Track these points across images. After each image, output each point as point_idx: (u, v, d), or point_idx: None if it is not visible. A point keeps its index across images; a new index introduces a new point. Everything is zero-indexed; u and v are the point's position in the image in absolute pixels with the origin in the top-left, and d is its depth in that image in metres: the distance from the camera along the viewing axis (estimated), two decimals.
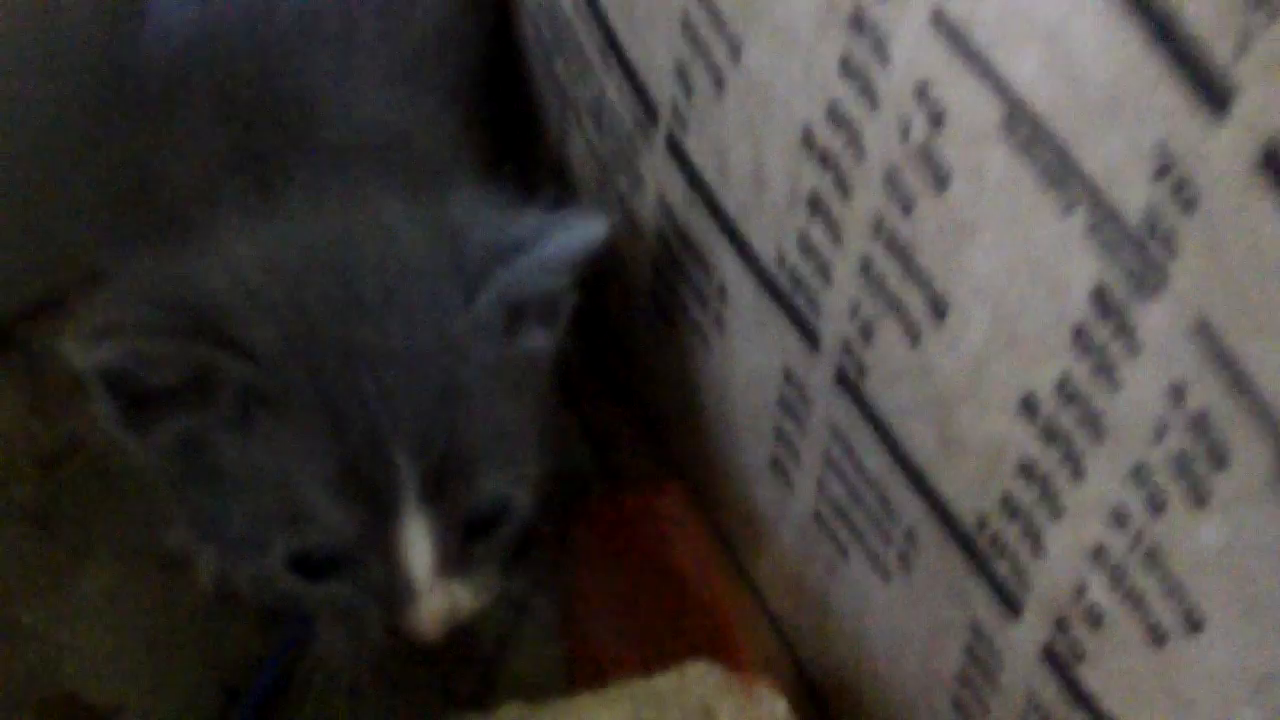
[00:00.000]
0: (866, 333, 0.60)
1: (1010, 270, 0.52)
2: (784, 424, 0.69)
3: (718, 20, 0.63)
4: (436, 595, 0.65)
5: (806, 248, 0.62)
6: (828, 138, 0.59)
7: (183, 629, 0.84)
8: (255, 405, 0.63)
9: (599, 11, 0.74)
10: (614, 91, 0.74)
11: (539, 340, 0.70)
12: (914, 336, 0.58)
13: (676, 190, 0.71)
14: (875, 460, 0.63)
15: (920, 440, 0.59)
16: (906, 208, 0.56)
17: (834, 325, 0.62)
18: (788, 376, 0.67)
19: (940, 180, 0.54)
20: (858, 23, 0.55)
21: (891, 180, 0.56)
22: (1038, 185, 0.49)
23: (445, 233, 0.67)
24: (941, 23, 0.51)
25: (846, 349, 0.62)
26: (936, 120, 0.53)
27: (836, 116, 0.58)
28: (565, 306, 0.71)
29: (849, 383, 0.63)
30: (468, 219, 0.67)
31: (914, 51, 0.53)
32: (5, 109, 0.84)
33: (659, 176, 0.72)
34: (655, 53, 0.69)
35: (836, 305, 0.62)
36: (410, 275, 0.65)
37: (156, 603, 0.84)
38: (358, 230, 0.67)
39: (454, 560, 0.66)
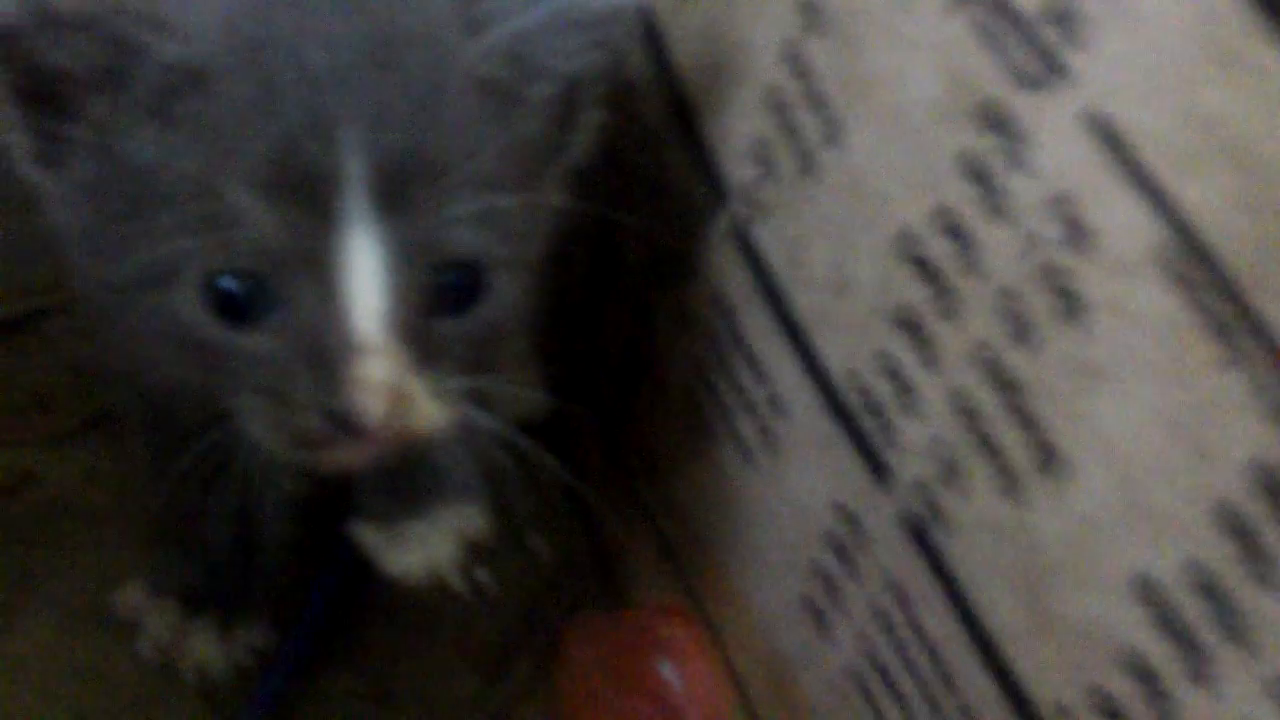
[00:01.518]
0: (950, 476, 0.52)
1: (1146, 427, 0.44)
2: (827, 562, 0.61)
3: (815, 96, 0.56)
4: (384, 360, 0.51)
5: (888, 368, 0.54)
6: (933, 245, 0.50)
7: (118, 702, 0.75)
8: (179, 89, 0.52)
9: (668, 72, 0.66)
10: (676, 163, 0.66)
11: (547, 125, 0.57)
12: (1011, 488, 0.49)
13: (737, 281, 0.63)
14: (938, 623, 0.54)
15: (1000, 608, 0.51)
16: (1023, 338, 0.47)
17: (910, 461, 0.54)
18: (841, 509, 0.59)
19: (1071, 311, 0.45)
20: (989, 115, 0.47)
21: (1008, 304, 0.48)
22: (1198, 331, 0.41)
23: None
24: (1098, 126, 0.43)
25: (922, 490, 0.54)
26: (1076, 241, 0.45)
27: (948, 222, 0.50)
28: (586, 100, 0.58)
29: (919, 529, 0.54)
30: None
31: (1058, 157, 0.45)
32: None
33: (718, 263, 0.64)
34: (732, 127, 0.61)
35: (917, 438, 0.53)
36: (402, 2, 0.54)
37: (92, 669, 0.75)
38: None
39: (411, 320, 0.52)
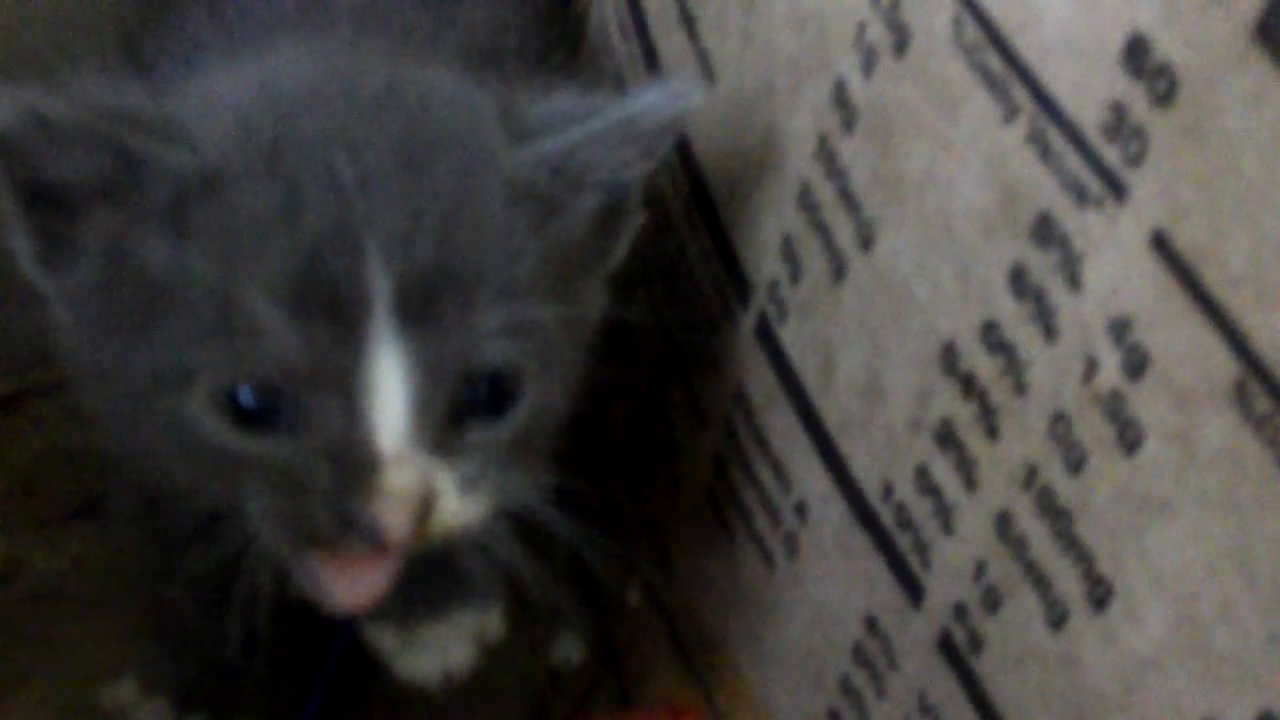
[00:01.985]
0: (992, 602, 0.49)
1: (1212, 567, 0.41)
2: (856, 677, 0.58)
3: (848, 198, 0.53)
4: (408, 469, 0.48)
5: (926, 485, 0.51)
6: (978, 362, 0.48)
7: None
8: (193, 197, 0.49)
9: (690, 161, 0.64)
10: (696, 255, 0.64)
11: (588, 232, 0.54)
12: (1058, 620, 0.47)
13: (761, 383, 0.60)
14: None
15: None
16: (1074, 465, 0.45)
17: (947, 583, 0.51)
18: (871, 625, 0.56)
19: (1129, 442, 0.43)
20: (1044, 231, 0.45)
21: (1059, 428, 0.45)
22: (1268, 467, 0.39)
23: (497, 91, 0.54)
24: (1164, 250, 0.41)
25: (960, 614, 0.51)
26: (1136, 368, 0.42)
27: (995, 339, 0.47)
28: (630, 206, 0.55)
29: (956, 654, 0.52)
30: (527, 93, 0.54)
31: (1117, 278, 0.43)
32: None
33: (740, 362, 0.62)
34: (759, 222, 0.59)
35: (956, 561, 0.51)
36: (439, 100, 0.52)
37: None
38: (382, 64, 0.53)
39: (437, 427, 0.49)
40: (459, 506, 0.51)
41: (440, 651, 0.68)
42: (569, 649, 0.77)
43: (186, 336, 0.49)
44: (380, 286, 0.48)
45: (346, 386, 0.48)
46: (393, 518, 0.48)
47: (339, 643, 0.70)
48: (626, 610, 0.75)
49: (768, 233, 0.58)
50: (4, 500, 0.77)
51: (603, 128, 0.52)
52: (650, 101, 0.52)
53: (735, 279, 0.61)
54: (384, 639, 0.68)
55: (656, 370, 0.69)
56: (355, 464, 0.48)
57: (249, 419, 0.49)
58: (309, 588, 0.53)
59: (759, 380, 0.60)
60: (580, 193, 0.53)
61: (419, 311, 0.48)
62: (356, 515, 0.49)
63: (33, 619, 0.75)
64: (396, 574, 0.52)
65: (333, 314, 0.48)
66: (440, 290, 0.48)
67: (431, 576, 0.67)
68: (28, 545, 0.77)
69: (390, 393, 0.48)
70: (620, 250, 0.56)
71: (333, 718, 0.73)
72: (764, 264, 0.59)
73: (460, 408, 0.50)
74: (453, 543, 0.53)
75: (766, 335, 0.59)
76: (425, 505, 0.49)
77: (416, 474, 0.49)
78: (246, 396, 0.49)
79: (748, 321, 0.61)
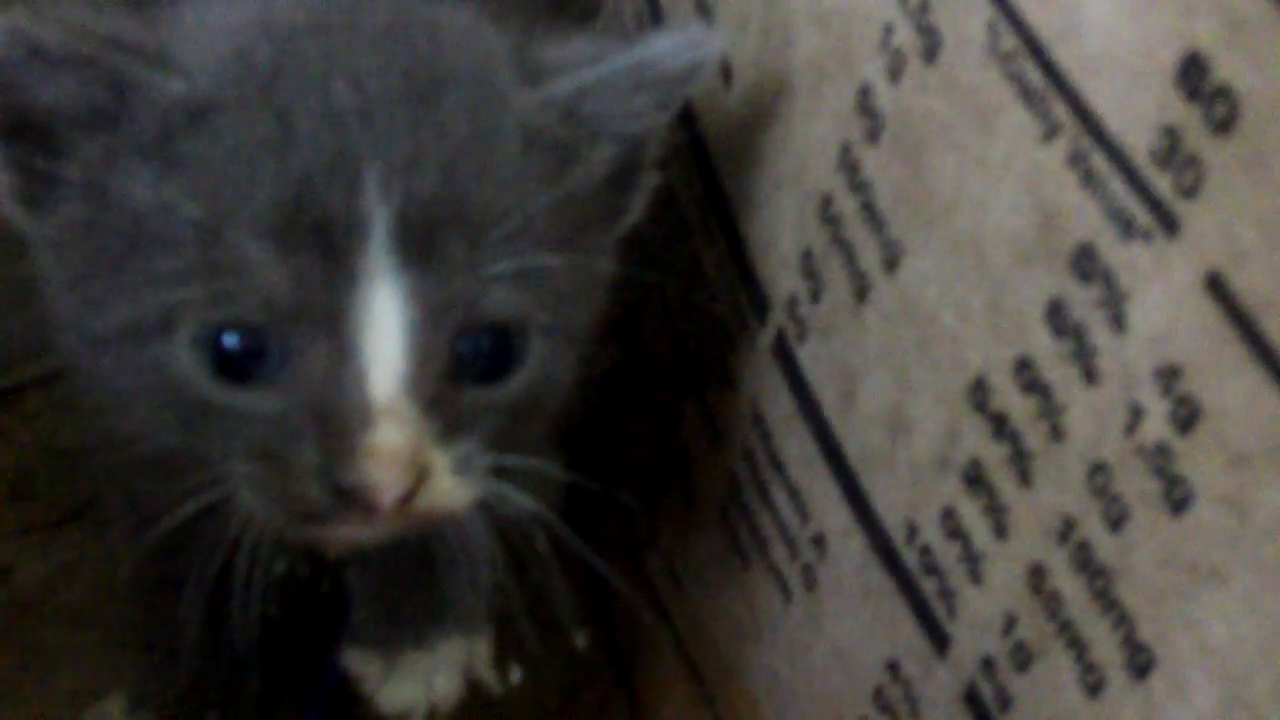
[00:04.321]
0: (1022, 659, 0.45)
1: (1267, 644, 0.37)
2: None
3: (872, 214, 0.49)
4: (401, 428, 0.45)
5: (953, 528, 0.47)
6: (1011, 401, 0.44)
7: None
8: (181, 127, 0.46)
9: (705, 161, 0.60)
10: (712, 263, 0.60)
11: (603, 185, 0.51)
12: (1094, 686, 0.43)
13: (778, 405, 0.56)
14: None
15: None
16: (1115, 521, 0.41)
17: (974, 634, 0.47)
18: (894, 670, 0.52)
19: (1176, 501, 0.39)
20: (1085, 263, 0.40)
21: (1099, 479, 0.41)
22: None
23: (512, 32, 0.51)
24: (1220, 294, 0.37)
25: (988, 669, 0.47)
26: (1185, 421, 0.38)
27: (1030, 377, 0.43)
28: (646, 162, 0.52)
29: (983, 710, 0.48)
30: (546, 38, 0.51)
31: (1166, 321, 0.38)
32: None
33: (757, 380, 0.58)
34: (777, 233, 0.55)
35: (983, 611, 0.47)
36: (450, 36, 0.49)
37: None
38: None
39: (434, 379, 0.46)
40: (451, 485, 0.47)
41: (424, 681, 0.64)
42: (578, 637, 0.73)
43: (169, 276, 0.45)
44: (377, 217, 0.44)
45: (338, 328, 0.45)
46: (384, 475, 0.44)
47: (331, 674, 0.67)
48: (574, 652, 0.72)
49: (787, 245, 0.54)
50: None
51: (615, 71, 0.49)
52: (664, 48, 0.49)
53: (752, 291, 0.57)
54: (363, 666, 0.64)
55: (671, 382, 0.65)
56: (344, 421, 0.45)
57: (233, 368, 0.46)
58: (306, 538, 0.49)
59: (776, 401, 0.56)
60: (595, 142, 0.50)
61: (420, 248, 0.45)
62: (346, 484, 0.45)
63: (18, 629, 0.71)
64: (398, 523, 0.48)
65: (324, 249, 0.44)
66: (444, 227, 0.45)
67: (417, 601, 0.64)
68: (14, 551, 0.73)
69: (385, 333, 0.45)
70: (635, 209, 0.53)
71: None
72: (782, 278, 0.55)
73: (459, 364, 0.47)
74: (450, 525, 0.50)
75: (784, 353, 0.55)
76: (418, 470, 0.45)
77: (410, 432, 0.45)
78: (231, 340, 0.46)
79: (765, 337, 0.57)
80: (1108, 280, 0.40)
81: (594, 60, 0.49)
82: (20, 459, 0.76)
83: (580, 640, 0.73)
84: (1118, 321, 0.40)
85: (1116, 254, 0.39)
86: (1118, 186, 0.39)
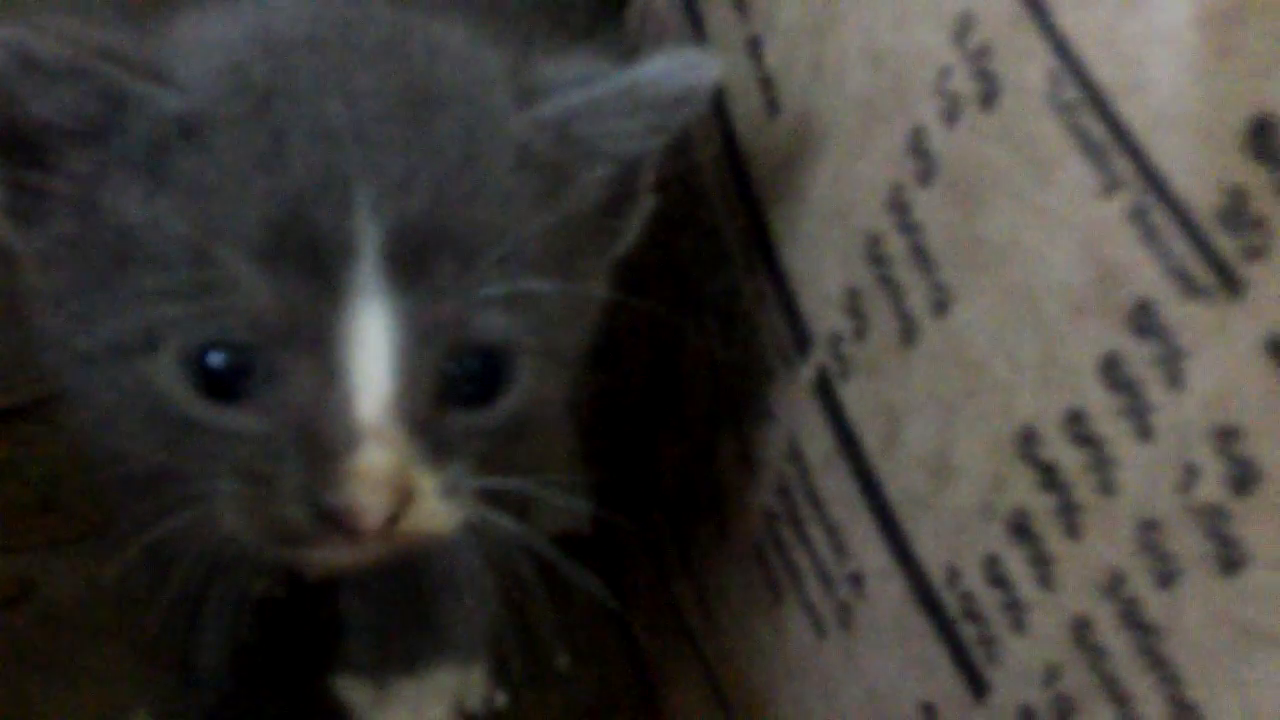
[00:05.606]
0: (1062, 711, 0.45)
1: None
2: None
3: (922, 256, 0.49)
4: (387, 450, 0.45)
5: (996, 576, 0.47)
6: (1061, 452, 0.44)
7: None
8: (172, 142, 0.46)
9: (748, 192, 0.60)
10: (753, 295, 0.60)
11: (597, 209, 0.51)
12: None
13: (817, 442, 0.56)
14: None
15: None
16: (1165, 579, 0.41)
17: (1015, 683, 0.47)
18: (929, 713, 0.52)
19: (1230, 563, 0.39)
20: (1142, 320, 0.40)
21: (1150, 536, 0.41)
22: None
23: (509, 51, 0.51)
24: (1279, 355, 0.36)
25: (1027, 718, 0.47)
26: (1242, 483, 0.38)
27: (1081, 430, 0.43)
28: (641, 186, 0.52)
29: None
30: (544, 58, 0.51)
31: (1226, 382, 0.38)
32: None
33: (796, 416, 0.57)
34: (822, 270, 0.55)
35: (1025, 662, 0.46)
36: (446, 54, 0.49)
37: None
38: (387, 13, 0.50)
39: (421, 402, 0.46)
40: (438, 508, 0.47)
41: (415, 711, 0.64)
42: (563, 664, 0.73)
43: (157, 293, 0.45)
44: (367, 237, 0.44)
45: (324, 348, 0.45)
46: (368, 497, 0.44)
47: (321, 706, 0.66)
48: (554, 675, 0.71)
49: (831, 282, 0.54)
50: (18, 516, 0.74)
51: (607, 93, 0.49)
52: (659, 70, 0.49)
53: (794, 326, 0.57)
54: (354, 693, 0.64)
55: (708, 413, 0.65)
56: (329, 442, 0.45)
57: (218, 386, 0.46)
58: (287, 559, 0.50)
59: (816, 438, 0.56)
60: (589, 165, 0.50)
61: (410, 269, 0.44)
62: (330, 506, 0.45)
63: (44, 646, 0.71)
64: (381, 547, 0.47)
65: (313, 268, 0.44)
66: (435, 248, 0.45)
67: (410, 629, 0.63)
68: (40, 565, 0.73)
69: (373, 354, 0.45)
70: (629, 234, 0.53)
71: None
72: (826, 315, 0.55)
73: (448, 386, 0.47)
74: (436, 549, 0.50)
75: (826, 391, 0.55)
76: (403, 493, 0.45)
77: (396, 454, 0.45)
78: (217, 359, 0.46)
79: (806, 373, 0.56)
80: (1166, 338, 0.40)
81: (586, 81, 0.49)
82: (49, 472, 0.75)
83: (561, 663, 0.73)
84: (1175, 379, 0.39)
85: (1176, 312, 0.39)
86: (1179, 245, 0.39)
